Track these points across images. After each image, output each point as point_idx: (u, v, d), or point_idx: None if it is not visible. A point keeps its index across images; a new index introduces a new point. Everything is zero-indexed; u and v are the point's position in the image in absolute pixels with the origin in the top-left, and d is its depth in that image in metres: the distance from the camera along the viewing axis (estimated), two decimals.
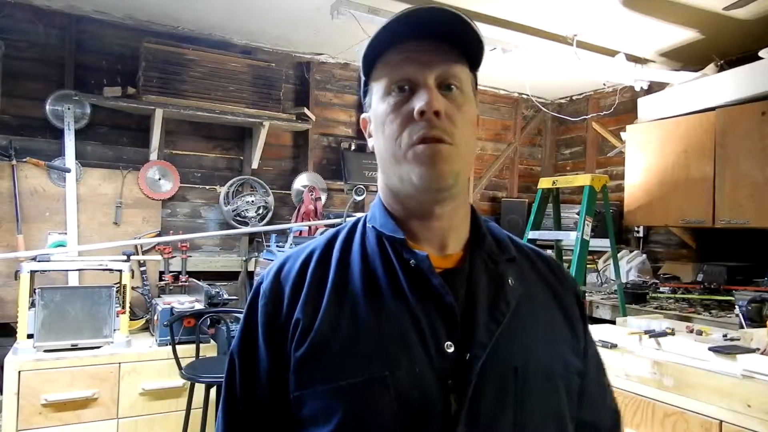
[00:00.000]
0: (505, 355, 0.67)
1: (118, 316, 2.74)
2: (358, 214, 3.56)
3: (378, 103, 0.72)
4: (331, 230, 0.79)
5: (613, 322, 2.71)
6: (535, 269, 0.79)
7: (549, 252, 0.92)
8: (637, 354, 2.19)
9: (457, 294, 0.69)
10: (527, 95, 4.37)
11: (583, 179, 3.42)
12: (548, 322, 0.75)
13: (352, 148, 3.98)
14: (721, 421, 2.19)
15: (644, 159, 3.39)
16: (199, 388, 2.56)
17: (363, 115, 0.79)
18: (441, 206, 0.71)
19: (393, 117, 0.69)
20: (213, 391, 2.71)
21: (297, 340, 0.68)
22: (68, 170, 3.05)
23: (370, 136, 0.76)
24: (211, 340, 2.96)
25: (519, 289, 0.72)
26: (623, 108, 3.98)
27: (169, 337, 2.60)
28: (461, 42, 0.70)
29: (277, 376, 0.70)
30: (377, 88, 0.72)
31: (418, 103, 0.67)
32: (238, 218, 3.56)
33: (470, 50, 0.71)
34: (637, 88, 3.54)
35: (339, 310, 0.68)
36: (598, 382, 0.81)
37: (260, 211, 3.62)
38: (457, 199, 0.72)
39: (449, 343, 0.66)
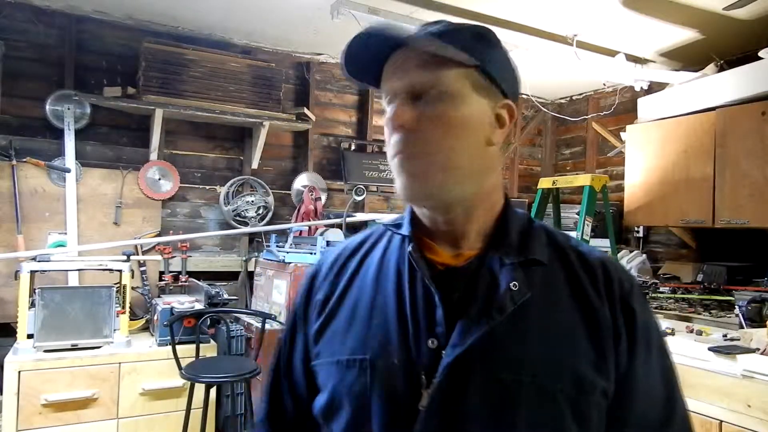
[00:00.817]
0: (494, 363, 0.65)
1: (118, 316, 2.74)
2: (358, 214, 3.56)
3: None
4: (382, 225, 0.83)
5: None
6: (571, 276, 0.71)
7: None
8: None
9: (452, 293, 0.69)
10: (527, 95, 4.37)
11: (583, 179, 3.42)
12: (564, 334, 0.68)
13: (352, 148, 3.98)
14: (721, 421, 2.19)
15: (644, 159, 3.39)
16: (199, 388, 2.56)
17: None
18: (438, 213, 0.72)
19: (386, 129, 0.72)
20: (213, 391, 2.71)
21: (316, 316, 0.77)
22: (68, 170, 3.05)
23: None
24: (211, 340, 2.96)
25: (524, 295, 0.67)
26: (623, 108, 3.98)
27: (169, 337, 2.60)
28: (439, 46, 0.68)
29: (307, 352, 0.78)
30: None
31: (389, 118, 0.69)
32: (238, 218, 3.56)
33: (458, 50, 0.67)
34: (637, 88, 3.54)
35: (349, 295, 0.75)
36: (652, 407, 0.70)
37: (260, 211, 3.62)
38: (465, 203, 0.71)
39: (433, 339, 0.67)
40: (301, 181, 3.78)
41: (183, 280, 3.29)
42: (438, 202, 0.71)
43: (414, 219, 0.76)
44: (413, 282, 0.71)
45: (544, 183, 3.70)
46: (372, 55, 0.70)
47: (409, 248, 0.72)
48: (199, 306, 2.94)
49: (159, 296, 3.18)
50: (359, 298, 0.74)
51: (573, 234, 3.00)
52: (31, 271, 2.60)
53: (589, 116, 4.29)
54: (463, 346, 0.65)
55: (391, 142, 0.69)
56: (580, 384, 0.65)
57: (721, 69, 3.14)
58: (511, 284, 0.68)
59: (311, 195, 3.59)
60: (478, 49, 0.69)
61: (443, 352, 0.66)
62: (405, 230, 0.75)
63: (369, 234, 0.82)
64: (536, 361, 0.66)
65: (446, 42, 0.67)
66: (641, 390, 0.69)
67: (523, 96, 4.54)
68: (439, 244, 0.73)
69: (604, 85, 4.01)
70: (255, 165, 3.60)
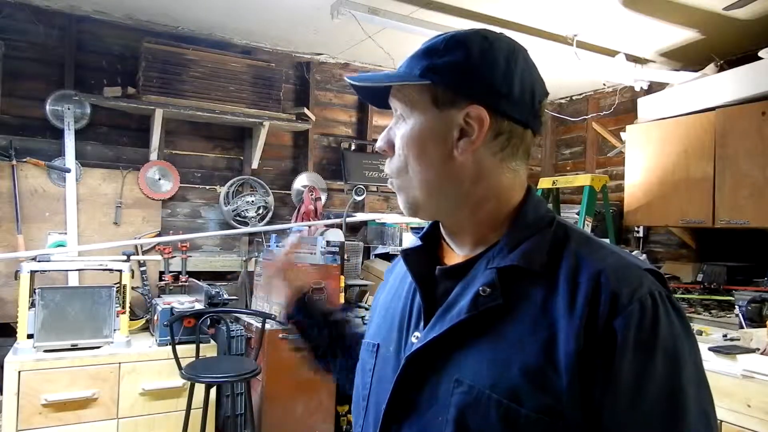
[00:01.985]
0: (445, 362, 0.68)
1: (118, 316, 2.74)
2: (358, 214, 3.55)
3: None
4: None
5: None
6: (552, 287, 0.66)
7: None
8: None
9: (435, 293, 0.74)
10: None
11: (583, 179, 3.43)
12: (516, 344, 0.64)
13: (352, 148, 3.98)
14: (721, 421, 2.19)
15: (644, 159, 3.39)
16: (200, 388, 2.56)
17: None
18: (438, 222, 0.80)
19: None
20: (213, 391, 2.71)
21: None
22: (68, 170, 3.05)
23: None
24: (211, 340, 2.96)
25: (493, 301, 0.66)
26: (623, 108, 3.98)
27: (169, 337, 2.60)
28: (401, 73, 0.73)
29: None
30: None
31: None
32: (238, 218, 3.56)
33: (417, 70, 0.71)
34: (637, 88, 3.54)
35: (389, 289, 0.87)
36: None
37: (260, 211, 3.62)
38: (450, 213, 0.75)
39: (417, 334, 0.73)
40: (301, 181, 3.78)
41: (183, 280, 3.29)
42: (425, 215, 0.76)
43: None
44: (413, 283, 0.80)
45: (544, 183, 3.70)
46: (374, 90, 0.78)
47: (406, 249, 0.81)
48: (199, 306, 2.94)
49: (159, 296, 3.18)
50: (390, 291, 0.86)
51: None
52: (31, 271, 2.60)
53: (589, 116, 4.29)
54: (422, 342, 0.70)
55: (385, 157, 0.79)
56: (515, 395, 0.62)
57: (721, 69, 3.14)
58: (481, 289, 0.67)
59: (311, 195, 3.60)
60: (442, 60, 0.70)
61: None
62: (417, 241, 0.82)
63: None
64: (481, 368, 0.65)
65: (419, 61, 0.71)
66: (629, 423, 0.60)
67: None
68: (453, 246, 0.78)
69: (604, 85, 4.01)
70: (255, 165, 3.60)
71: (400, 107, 0.73)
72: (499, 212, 0.73)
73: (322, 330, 1.05)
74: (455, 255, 0.77)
